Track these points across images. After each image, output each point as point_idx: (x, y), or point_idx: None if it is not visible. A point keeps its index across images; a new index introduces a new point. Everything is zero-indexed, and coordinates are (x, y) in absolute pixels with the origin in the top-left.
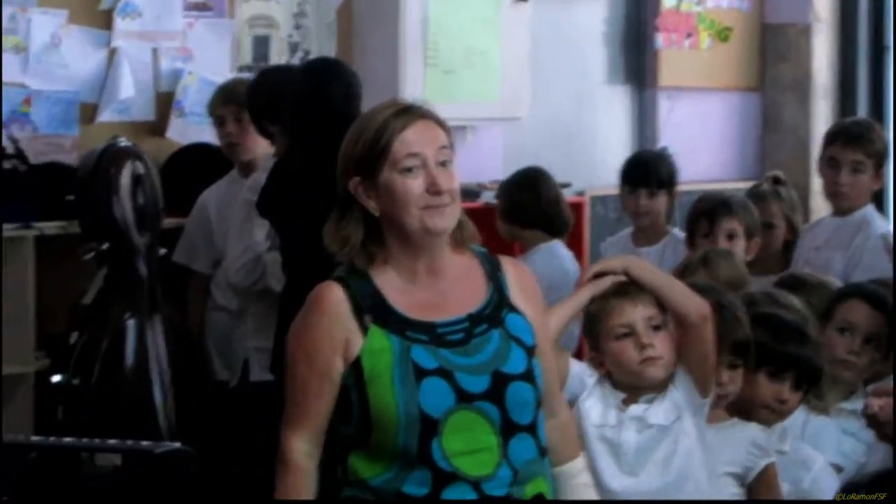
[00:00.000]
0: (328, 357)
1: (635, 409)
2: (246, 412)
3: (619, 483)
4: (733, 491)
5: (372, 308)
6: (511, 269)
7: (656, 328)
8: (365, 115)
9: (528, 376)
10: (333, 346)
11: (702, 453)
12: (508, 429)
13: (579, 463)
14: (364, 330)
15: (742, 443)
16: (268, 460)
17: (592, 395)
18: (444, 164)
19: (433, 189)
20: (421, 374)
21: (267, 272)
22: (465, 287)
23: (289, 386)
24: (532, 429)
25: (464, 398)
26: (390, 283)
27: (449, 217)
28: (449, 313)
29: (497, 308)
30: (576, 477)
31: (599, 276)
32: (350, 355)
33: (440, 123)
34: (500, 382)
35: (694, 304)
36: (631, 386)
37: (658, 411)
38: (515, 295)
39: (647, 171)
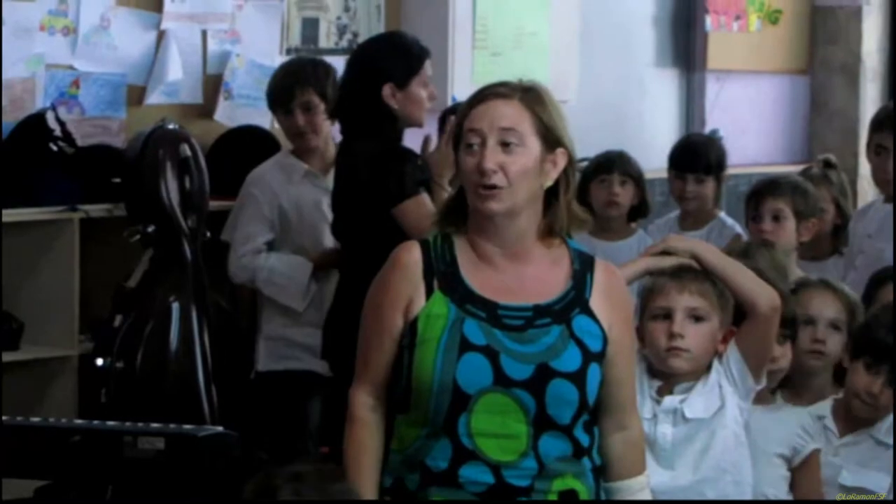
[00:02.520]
0: (390, 313)
1: (670, 401)
2: (258, 401)
3: (656, 478)
4: (782, 473)
5: (443, 274)
6: (603, 273)
7: (697, 319)
8: None
9: (578, 378)
10: (397, 303)
11: (746, 440)
12: (542, 422)
13: (641, 480)
14: (429, 293)
15: (793, 425)
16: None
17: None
18: (506, 145)
19: (479, 168)
20: (466, 347)
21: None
22: (541, 278)
23: (358, 341)
24: (569, 429)
25: (501, 381)
26: (468, 256)
27: (501, 200)
28: (516, 299)
29: (568, 306)
30: (635, 494)
31: (664, 253)
32: (410, 315)
33: (526, 103)
34: (543, 375)
35: (766, 293)
36: (664, 372)
37: (696, 403)
38: (597, 299)
39: (696, 156)
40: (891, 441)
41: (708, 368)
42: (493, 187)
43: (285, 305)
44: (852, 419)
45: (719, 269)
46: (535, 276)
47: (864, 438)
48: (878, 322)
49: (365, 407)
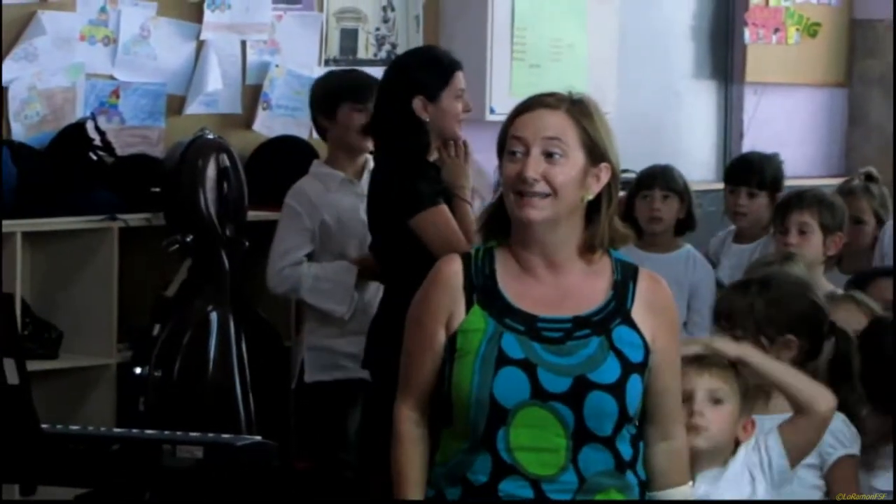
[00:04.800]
0: (433, 327)
1: (697, 489)
2: (303, 412)
3: None
4: (814, 483)
5: (481, 288)
6: (646, 282)
7: (717, 401)
8: None
9: (617, 390)
10: (439, 317)
11: None
12: (582, 435)
13: (685, 490)
14: (468, 307)
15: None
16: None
17: None
18: (550, 154)
19: (520, 176)
20: (503, 361)
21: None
22: (581, 289)
23: (401, 355)
24: (610, 442)
25: (539, 395)
26: (507, 268)
27: (541, 209)
28: (556, 311)
29: (609, 317)
30: (683, 495)
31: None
32: (451, 329)
33: (573, 115)
34: (581, 388)
35: (824, 396)
36: None
37: (725, 492)
38: (639, 309)
39: (749, 171)
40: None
41: (733, 453)
42: (534, 195)
43: (327, 315)
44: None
45: (773, 374)
46: (575, 288)
47: None
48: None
49: (409, 421)
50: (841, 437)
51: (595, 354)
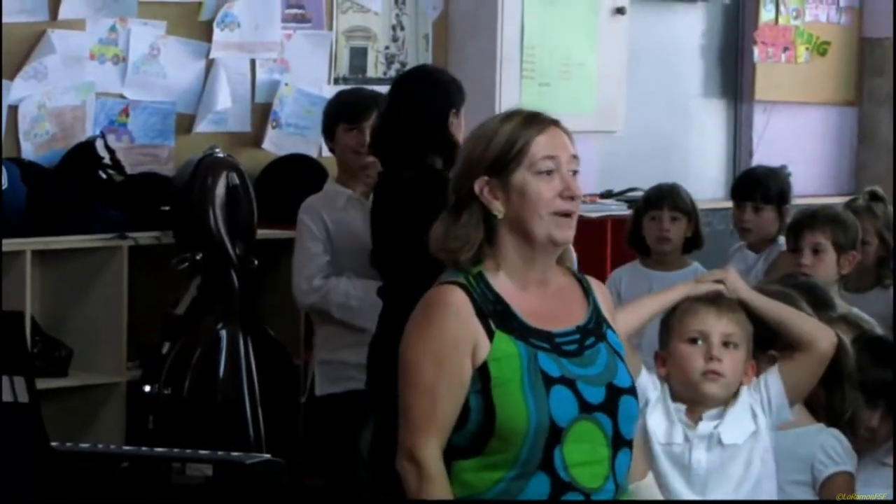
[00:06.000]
0: (459, 359)
1: (705, 426)
2: (314, 426)
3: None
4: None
5: (496, 313)
6: (598, 287)
7: (731, 346)
8: (490, 121)
9: (634, 391)
10: (463, 349)
11: (774, 470)
12: (618, 442)
13: (648, 483)
14: (490, 334)
15: (813, 449)
16: (338, 475)
17: (656, 410)
18: (574, 172)
19: (567, 193)
20: (549, 381)
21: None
22: (568, 300)
23: (411, 393)
24: (632, 444)
25: (585, 408)
26: (506, 289)
27: (574, 228)
28: (561, 325)
29: (598, 323)
30: (654, 494)
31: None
32: (477, 360)
33: (568, 134)
34: (613, 395)
35: (826, 334)
36: (689, 399)
37: (731, 428)
38: (605, 312)
39: (754, 185)
40: (891, 461)
41: (734, 394)
42: (573, 214)
43: (338, 328)
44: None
45: (773, 314)
46: (565, 299)
47: (866, 463)
48: (867, 358)
49: (437, 459)
50: (832, 454)
51: (609, 361)
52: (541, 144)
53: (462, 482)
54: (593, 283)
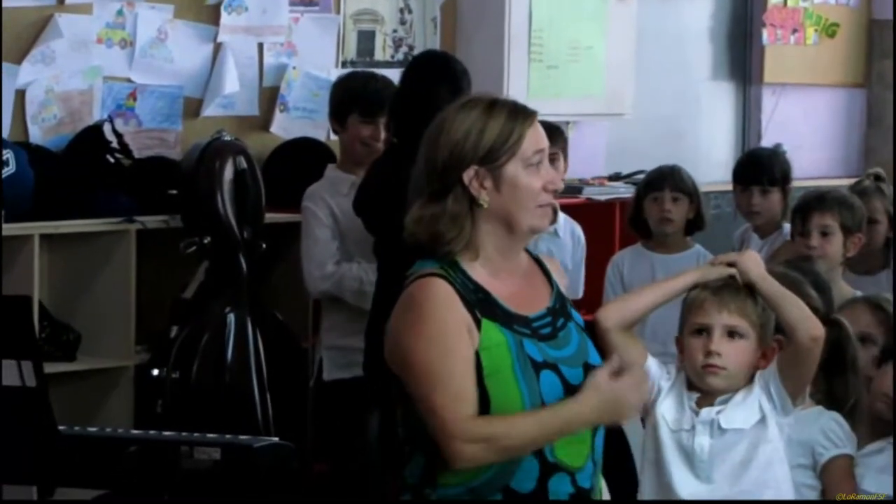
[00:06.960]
0: (464, 341)
1: (707, 412)
2: (322, 411)
3: (692, 489)
4: (808, 482)
5: (479, 301)
6: (552, 265)
7: (736, 336)
8: (464, 111)
9: None
10: (463, 333)
11: (786, 459)
12: None
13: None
14: (477, 323)
15: (813, 432)
16: (346, 460)
17: (668, 397)
18: (553, 163)
19: (551, 186)
20: (536, 367)
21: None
22: (534, 283)
23: (430, 388)
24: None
25: (569, 390)
26: (482, 277)
27: (551, 217)
28: (534, 308)
29: (562, 303)
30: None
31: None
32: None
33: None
34: (589, 374)
35: (806, 324)
36: (699, 388)
37: (733, 414)
38: (563, 290)
39: (760, 168)
40: None
41: (750, 380)
42: (552, 205)
43: (347, 314)
44: (875, 428)
45: (771, 298)
46: (530, 283)
47: (886, 446)
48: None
49: (485, 422)
50: (833, 437)
51: (580, 340)
52: (531, 137)
53: (446, 475)
54: (547, 261)
